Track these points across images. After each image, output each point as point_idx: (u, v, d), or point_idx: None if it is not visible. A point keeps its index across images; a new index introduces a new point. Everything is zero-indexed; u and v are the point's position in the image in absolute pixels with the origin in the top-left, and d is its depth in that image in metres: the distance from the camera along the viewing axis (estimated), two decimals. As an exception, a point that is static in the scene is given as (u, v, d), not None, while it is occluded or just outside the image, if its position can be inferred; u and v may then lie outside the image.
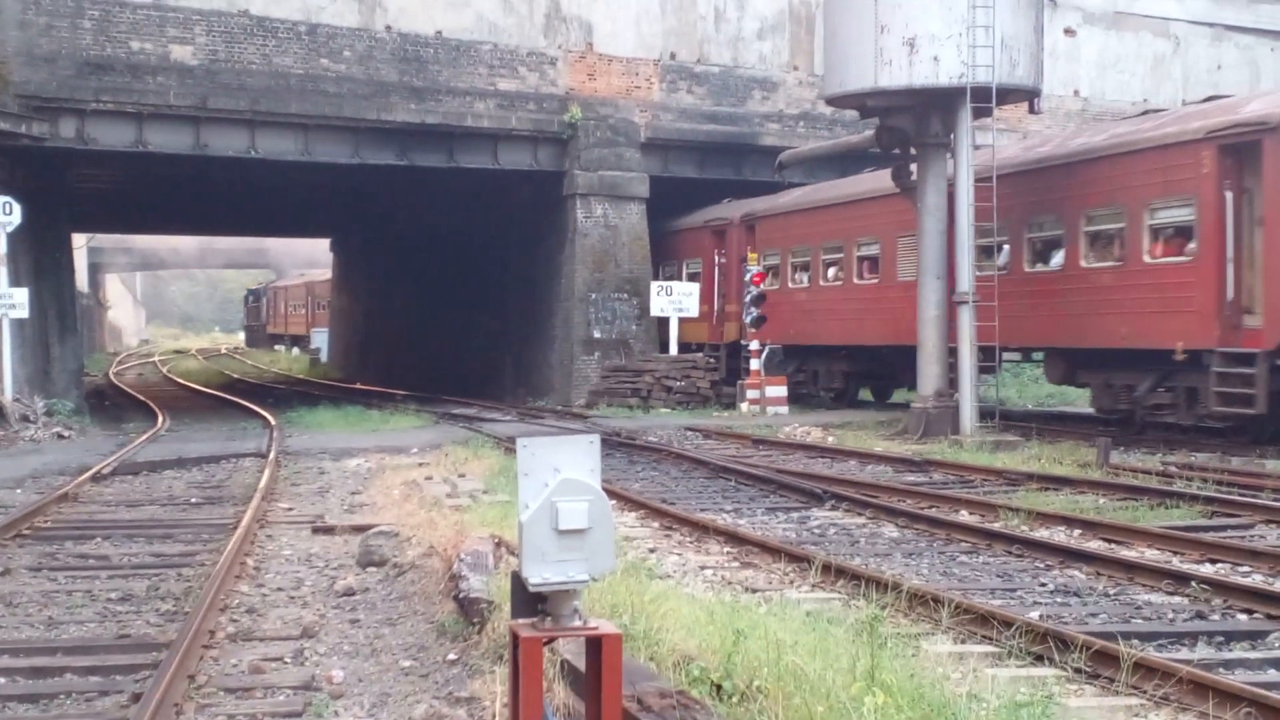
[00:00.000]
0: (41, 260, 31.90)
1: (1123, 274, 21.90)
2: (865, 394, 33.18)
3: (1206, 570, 10.99)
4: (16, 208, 26.18)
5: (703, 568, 11.68)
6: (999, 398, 23.68)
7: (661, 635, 7.37)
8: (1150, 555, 11.87)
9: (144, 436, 25.86)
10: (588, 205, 34.41)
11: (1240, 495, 15.05)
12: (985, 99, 21.95)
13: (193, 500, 16.85)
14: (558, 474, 5.11)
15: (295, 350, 78.76)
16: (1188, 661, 7.86)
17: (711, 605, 8.57)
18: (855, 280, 29.82)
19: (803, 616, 8.48)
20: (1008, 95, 22.93)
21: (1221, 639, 8.82)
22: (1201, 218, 20.36)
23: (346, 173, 34.58)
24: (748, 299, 31.64)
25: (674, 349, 33.17)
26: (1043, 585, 10.73)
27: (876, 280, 29.03)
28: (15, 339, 26.94)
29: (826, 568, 10.85)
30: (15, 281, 26.80)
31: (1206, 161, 20.23)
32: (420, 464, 19.27)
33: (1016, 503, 14.49)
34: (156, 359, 77.20)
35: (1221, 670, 7.93)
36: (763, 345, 30.74)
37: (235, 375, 60.46)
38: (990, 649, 8.47)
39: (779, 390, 29.92)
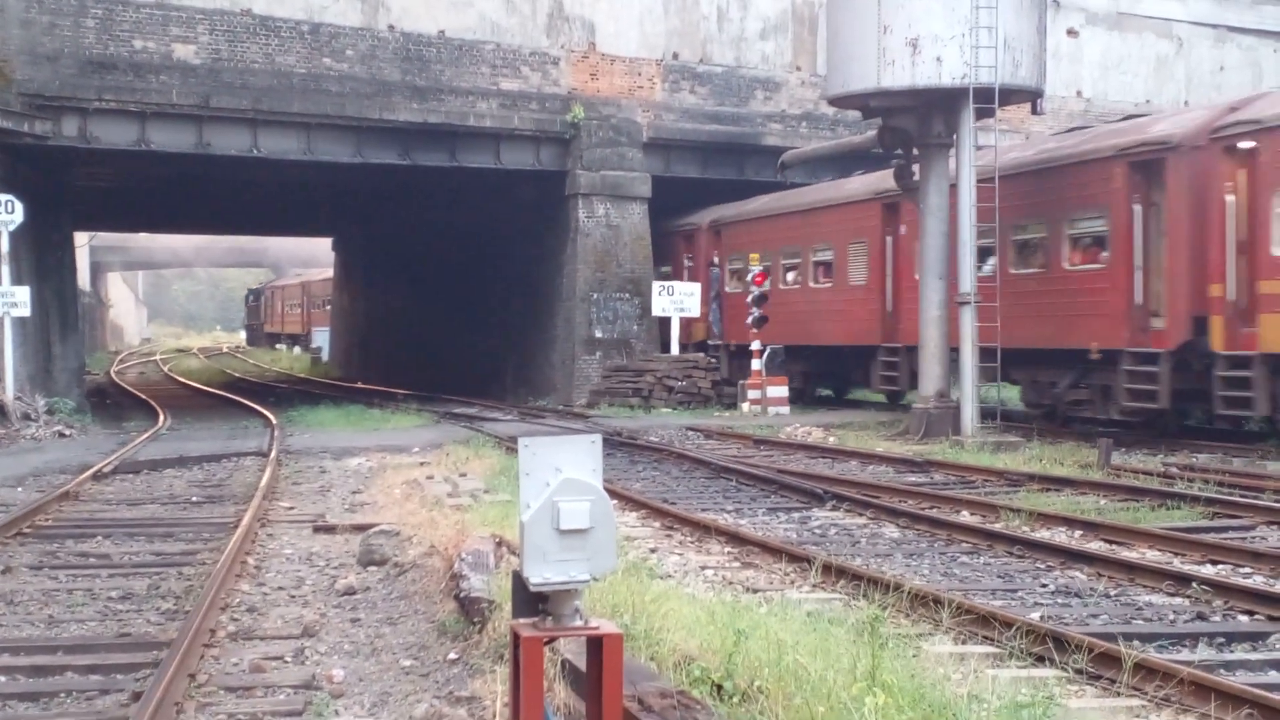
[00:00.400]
0: (43, 259, 31.92)
1: (1046, 280, 23.59)
2: (864, 395, 33.34)
3: (1208, 571, 10.98)
4: (19, 206, 26.17)
5: (704, 568, 11.68)
6: (1000, 398, 23.72)
7: (662, 635, 7.37)
8: (1151, 556, 11.86)
9: (145, 435, 25.87)
10: (590, 205, 34.40)
11: (1241, 497, 15.06)
12: (988, 100, 21.95)
13: (194, 499, 16.86)
14: (559, 474, 5.11)
15: (297, 349, 78.85)
16: (1189, 663, 7.86)
17: (712, 605, 8.57)
18: (811, 284, 31.50)
19: (804, 617, 8.48)
20: (1010, 96, 22.92)
21: (1223, 640, 8.82)
22: (1113, 229, 22.08)
23: (349, 172, 34.58)
24: (749, 299, 31.65)
25: (675, 349, 33.18)
26: (1044, 586, 10.73)
27: (831, 284, 30.79)
28: (17, 337, 26.94)
29: (827, 568, 10.85)
30: (17, 280, 26.80)
31: (1118, 177, 21.97)
32: (421, 463, 19.28)
33: (1017, 503, 14.48)
34: (158, 358, 77.21)
35: (1223, 671, 7.92)
36: (764, 346, 30.80)
37: (236, 374, 60.47)
38: (991, 650, 8.46)
39: (780, 390, 29.95)
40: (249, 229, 69.35)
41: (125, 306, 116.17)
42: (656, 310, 33.44)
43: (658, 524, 14.28)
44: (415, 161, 33.30)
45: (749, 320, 31.29)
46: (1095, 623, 9.35)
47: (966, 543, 12.81)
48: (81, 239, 57.17)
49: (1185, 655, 8.37)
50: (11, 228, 26.25)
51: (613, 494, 13.27)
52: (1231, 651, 8.60)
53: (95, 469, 19.27)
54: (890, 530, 13.84)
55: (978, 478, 17.81)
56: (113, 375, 57.00)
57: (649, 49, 35.43)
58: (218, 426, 29.11)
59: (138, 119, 30.04)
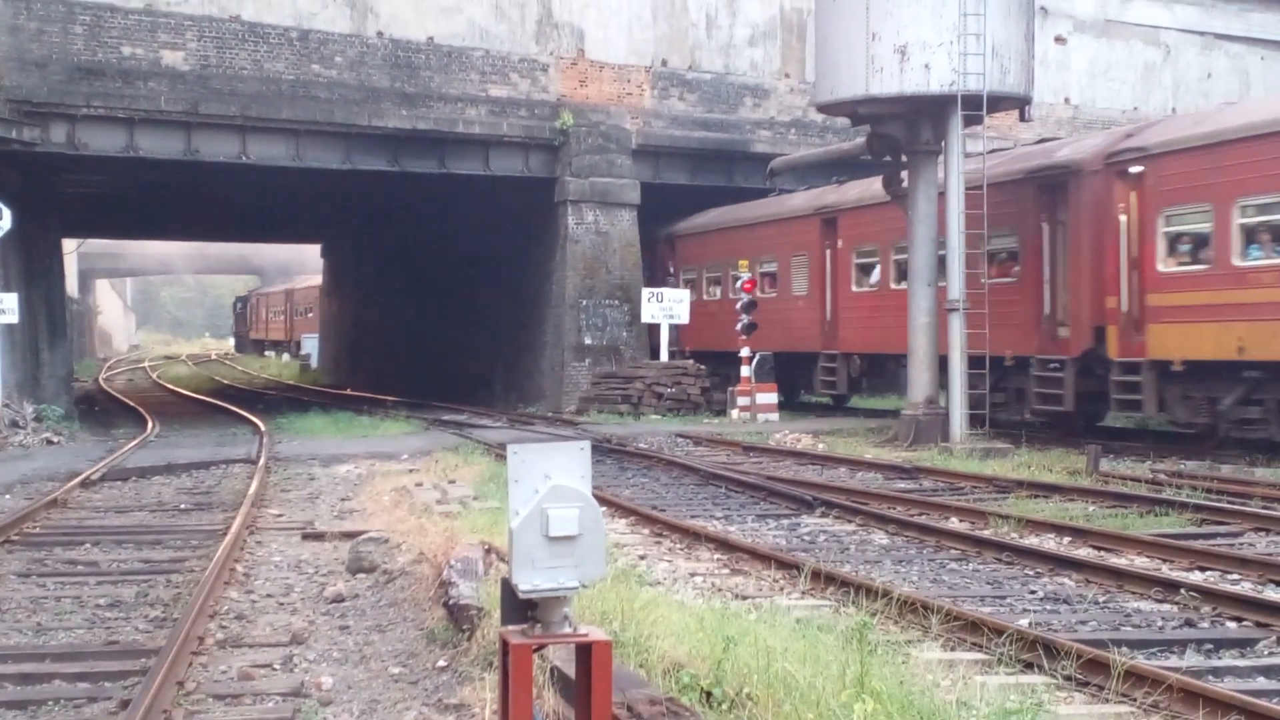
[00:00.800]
0: (32, 265, 31.85)
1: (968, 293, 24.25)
2: (859, 401, 33.43)
3: (1196, 578, 11.00)
4: (7, 213, 26.12)
5: (693, 574, 11.68)
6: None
7: (651, 642, 7.36)
8: (1140, 563, 11.89)
9: (133, 442, 25.82)
10: (579, 212, 34.40)
11: (1229, 503, 15.09)
12: (976, 107, 21.98)
13: (182, 506, 16.82)
14: (548, 480, 5.11)
15: (285, 356, 78.92)
16: (1177, 669, 7.87)
17: (701, 612, 8.57)
18: (758, 295, 32.59)
19: (792, 623, 8.48)
20: (999, 103, 22.96)
21: (1211, 646, 8.84)
22: (1024, 245, 24.12)
23: (338, 178, 34.55)
24: (739, 306, 31.71)
25: (664, 356, 33.19)
26: (1032, 592, 10.74)
27: (775, 295, 32.77)
28: (5, 344, 26.91)
29: (816, 574, 10.86)
30: (5, 287, 26.77)
31: (1028, 198, 23.77)
32: (410, 470, 19.26)
33: (1006, 510, 14.50)
34: (146, 364, 77.08)
35: (1211, 678, 7.94)
36: (753, 353, 30.86)
37: (225, 381, 60.39)
38: (980, 656, 8.47)
39: (769, 397, 29.99)
40: (238, 236, 69.24)
41: (114, 313, 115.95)
42: (646, 317, 33.44)
43: (647, 531, 14.27)
44: (404, 168, 33.29)
45: (738, 326, 31.33)
46: (1084, 629, 9.36)
47: (955, 549, 12.83)
48: (70, 246, 56.92)
49: (1174, 662, 8.38)
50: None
51: (602, 501, 13.25)
52: (1220, 658, 8.62)
53: (83, 476, 19.22)
54: (879, 537, 13.84)
55: (966, 484, 17.83)
56: (101, 382, 56.93)
57: (638, 56, 35.45)
58: (206, 433, 29.06)
59: (126, 125, 29.99)
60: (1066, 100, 40.79)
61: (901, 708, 6.12)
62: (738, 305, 31.84)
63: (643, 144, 35.20)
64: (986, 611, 9.64)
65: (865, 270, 29.44)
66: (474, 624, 8.48)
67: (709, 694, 6.61)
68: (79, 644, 9.41)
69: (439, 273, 44.77)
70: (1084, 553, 12.37)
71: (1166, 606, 10.06)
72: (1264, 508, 14.61)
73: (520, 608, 5.16)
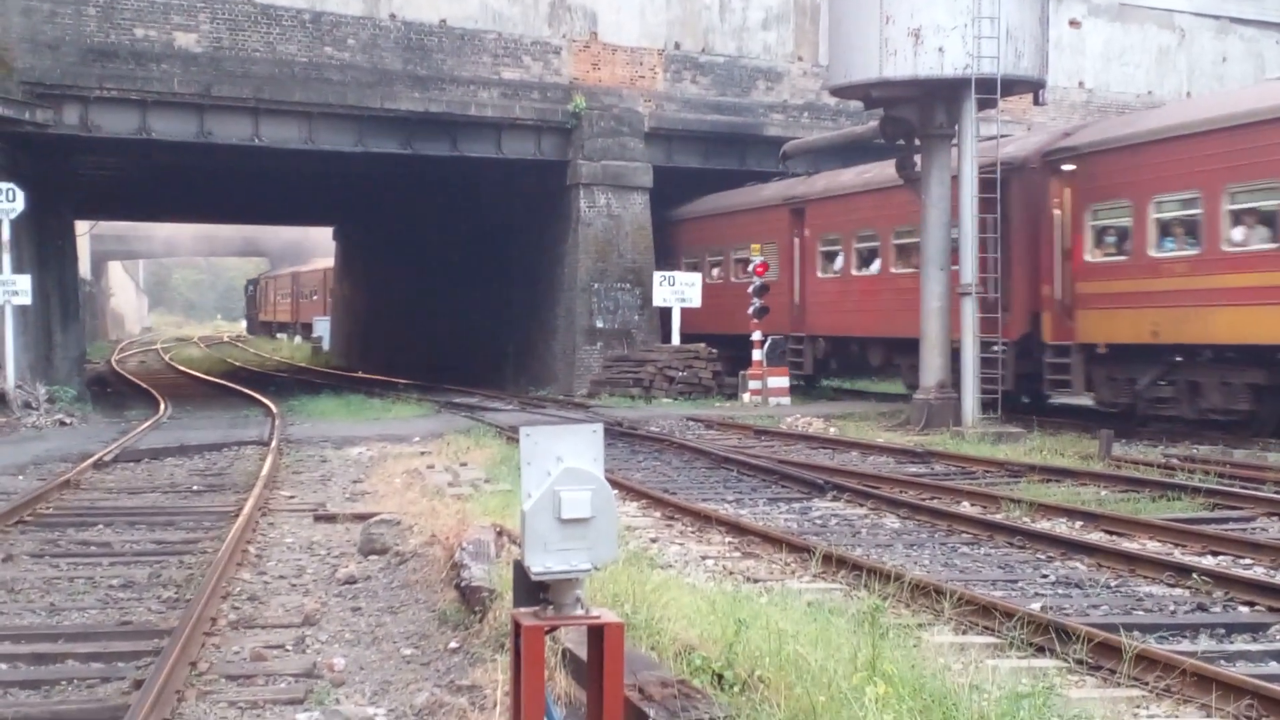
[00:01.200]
0: (44, 247, 31.90)
1: (919, 279, 25.41)
2: (872, 386, 33.48)
3: (1208, 562, 11.00)
4: (20, 194, 26.15)
5: (704, 557, 11.69)
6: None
7: (663, 625, 7.37)
8: (1152, 547, 11.88)
9: (146, 424, 25.88)
10: (591, 195, 34.37)
11: (1242, 488, 15.08)
12: (990, 90, 21.92)
13: (194, 488, 16.86)
14: (560, 463, 5.10)
15: (297, 339, 79.20)
16: (1189, 654, 7.87)
17: (713, 595, 8.58)
18: (733, 280, 34.45)
19: (804, 607, 8.48)
20: (1013, 86, 22.91)
21: (1223, 631, 8.83)
22: None
23: (350, 161, 34.55)
24: (750, 290, 31.69)
25: (676, 339, 33.17)
26: (1044, 577, 10.74)
27: (748, 280, 33.09)
28: (18, 326, 26.95)
29: (828, 558, 10.86)
30: (18, 268, 26.79)
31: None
32: (422, 453, 19.27)
33: (1018, 494, 14.49)
34: (159, 347, 77.21)
35: (1223, 662, 7.94)
36: (765, 336, 30.85)
37: (237, 363, 60.47)
38: (992, 640, 8.47)
39: (781, 381, 29.97)
40: (250, 219, 69.32)
41: (126, 295, 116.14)
42: (658, 300, 33.43)
43: (658, 514, 14.29)
44: (416, 151, 33.28)
45: (750, 310, 31.33)
46: (1096, 613, 9.36)
47: (967, 533, 12.82)
48: (82, 228, 57.10)
49: (1186, 646, 8.38)
50: (12, 216, 26.22)
51: (614, 484, 13.27)
52: (1232, 642, 8.62)
53: (96, 457, 19.27)
54: (891, 521, 13.84)
55: (978, 468, 17.82)
56: (114, 364, 57.03)
57: (651, 39, 35.38)
58: (218, 415, 29.11)
59: (139, 108, 30.01)
60: (1081, 84, 40.65)
61: (913, 691, 6.11)
62: (749, 289, 31.82)
63: (655, 127, 35.14)
64: (998, 595, 9.64)
65: (830, 258, 31.24)
66: (486, 606, 8.49)
67: (720, 676, 6.61)
68: (92, 624, 9.44)
69: (451, 255, 44.76)
70: (1096, 537, 12.36)
71: (1178, 591, 10.06)
72: (1276, 493, 14.59)
73: (532, 590, 5.15)
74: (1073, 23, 40.35)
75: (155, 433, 24.13)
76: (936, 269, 23.54)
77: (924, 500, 14.72)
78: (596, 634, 5.14)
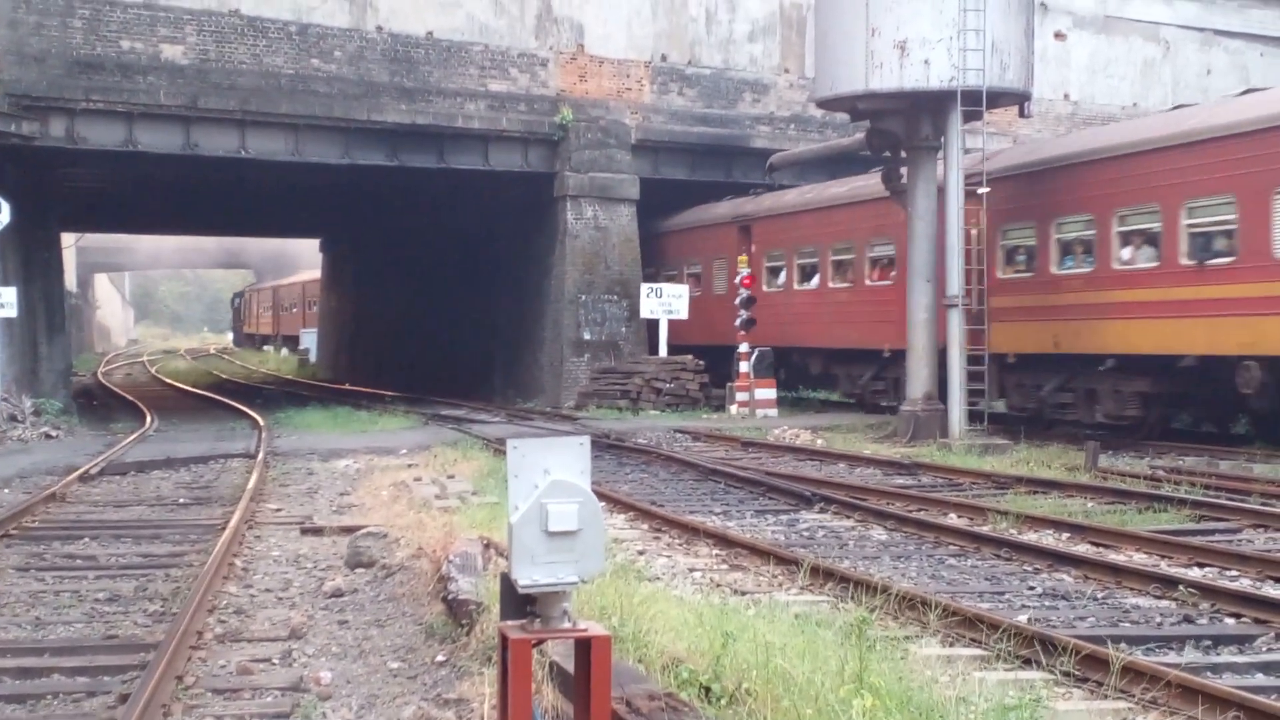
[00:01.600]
0: (30, 259, 31.83)
1: (853, 293, 29.37)
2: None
3: (1194, 574, 11.00)
4: (5, 206, 26.11)
5: (692, 570, 11.68)
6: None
7: (650, 637, 7.36)
8: (1138, 559, 11.89)
9: (132, 436, 25.81)
10: (578, 207, 34.40)
11: (1228, 499, 15.11)
12: (976, 102, 21.98)
13: (181, 501, 16.82)
14: (547, 476, 5.10)
15: (284, 351, 79.11)
16: (1176, 665, 7.87)
17: (700, 607, 8.57)
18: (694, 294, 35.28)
19: (791, 619, 8.48)
20: (998, 99, 22.98)
21: (1209, 643, 8.84)
22: (899, 253, 26.53)
23: (337, 173, 34.51)
24: (737, 301, 31.74)
25: (663, 351, 33.18)
26: (1031, 588, 10.74)
27: (700, 294, 35.27)
28: (4, 338, 26.90)
29: (815, 570, 10.86)
30: (4, 280, 26.76)
31: (903, 211, 25.03)
32: (409, 465, 19.25)
33: (1005, 506, 14.50)
34: (145, 359, 77.04)
35: (1209, 674, 7.94)
36: (752, 348, 30.88)
37: (224, 375, 60.36)
38: (979, 652, 8.47)
39: (768, 393, 30.00)
40: (237, 230, 69.17)
41: (112, 308, 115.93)
42: (645, 312, 33.43)
43: (646, 526, 14.27)
44: (403, 163, 33.28)
45: (737, 322, 31.37)
46: (1083, 625, 9.36)
47: (954, 545, 12.83)
48: (69, 240, 56.97)
49: (1172, 658, 8.39)
50: (-2, 228, 26.19)
51: (601, 496, 13.25)
52: (1218, 654, 8.62)
53: (82, 470, 19.21)
54: (878, 532, 13.84)
55: (965, 480, 17.84)
56: (100, 377, 56.85)
57: (637, 51, 35.43)
58: (205, 428, 29.05)
59: (125, 119, 29.99)
60: (1066, 96, 40.78)
61: (900, 703, 6.12)
62: (736, 300, 31.87)
63: (642, 139, 35.19)
64: (985, 607, 9.64)
65: (774, 273, 32.97)
66: (473, 619, 8.48)
67: (708, 689, 6.61)
68: (78, 638, 9.40)
69: (438, 267, 44.75)
70: (1082, 549, 12.38)
71: (1165, 603, 10.07)
72: (1262, 504, 14.62)
73: (519, 603, 5.15)
74: (1058, 35, 40.49)
75: (141, 445, 24.07)
76: (923, 280, 23.59)
77: (911, 512, 14.72)
78: (584, 647, 5.14)
